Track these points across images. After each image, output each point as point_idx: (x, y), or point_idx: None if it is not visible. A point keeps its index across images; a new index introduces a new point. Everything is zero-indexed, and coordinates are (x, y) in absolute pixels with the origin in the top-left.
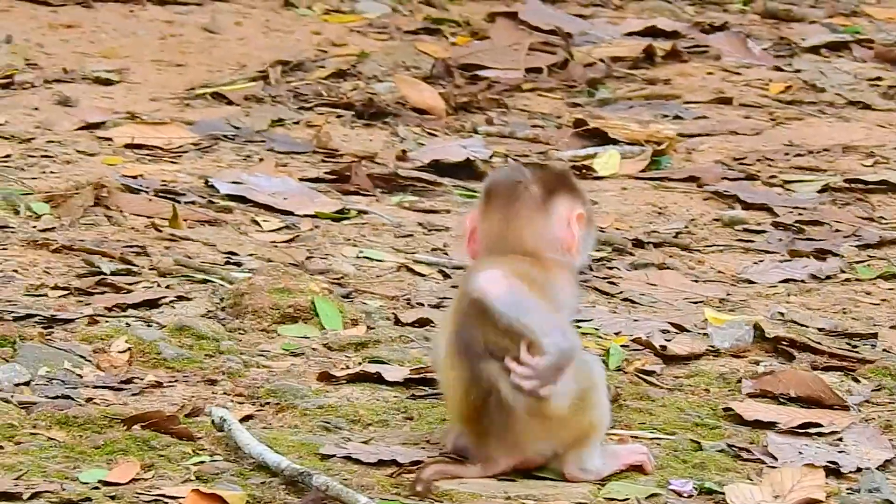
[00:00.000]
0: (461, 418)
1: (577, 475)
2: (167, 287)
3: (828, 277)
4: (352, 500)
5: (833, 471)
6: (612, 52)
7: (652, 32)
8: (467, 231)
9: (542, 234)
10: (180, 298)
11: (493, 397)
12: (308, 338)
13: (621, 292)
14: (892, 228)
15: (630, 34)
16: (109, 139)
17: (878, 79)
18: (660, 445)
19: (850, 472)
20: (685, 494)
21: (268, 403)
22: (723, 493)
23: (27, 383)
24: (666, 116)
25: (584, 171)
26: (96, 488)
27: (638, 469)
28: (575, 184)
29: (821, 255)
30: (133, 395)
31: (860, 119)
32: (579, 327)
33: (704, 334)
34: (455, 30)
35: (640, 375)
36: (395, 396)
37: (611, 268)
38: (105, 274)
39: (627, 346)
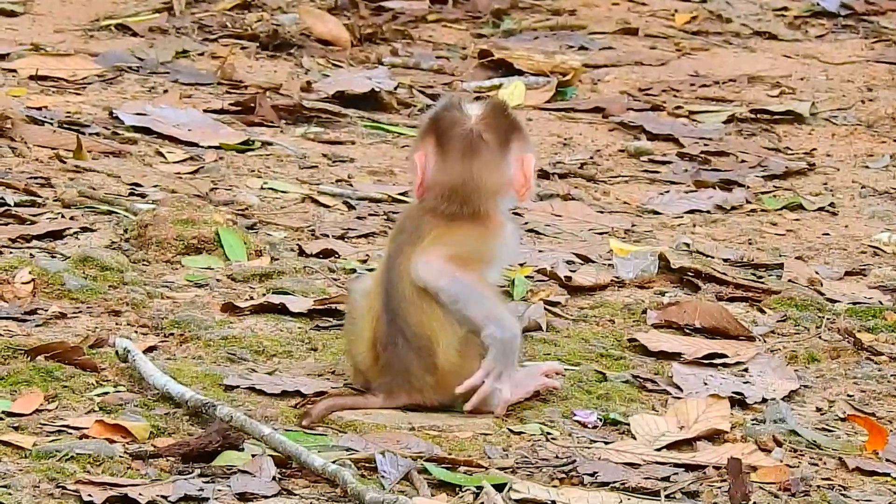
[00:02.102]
0: (368, 352)
1: (479, 407)
2: (71, 218)
3: (733, 208)
4: (255, 431)
5: (738, 402)
6: None
7: None
8: (418, 175)
9: (500, 182)
10: (84, 230)
11: (398, 347)
12: (212, 269)
13: (526, 223)
14: (797, 159)
15: None
16: (14, 71)
17: (785, 9)
18: (564, 376)
19: (756, 402)
20: (590, 425)
21: (171, 335)
22: (627, 424)
23: None
24: (571, 47)
25: None
26: (0, 419)
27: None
28: (521, 124)
29: (726, 185)
30: (37, 325)
31: (766, 49)
32: None
33: (609, 265)
34: None
35: (545, 306)
36: (299, 328)
37: None
38: (9, 205)
39: (532, 277)
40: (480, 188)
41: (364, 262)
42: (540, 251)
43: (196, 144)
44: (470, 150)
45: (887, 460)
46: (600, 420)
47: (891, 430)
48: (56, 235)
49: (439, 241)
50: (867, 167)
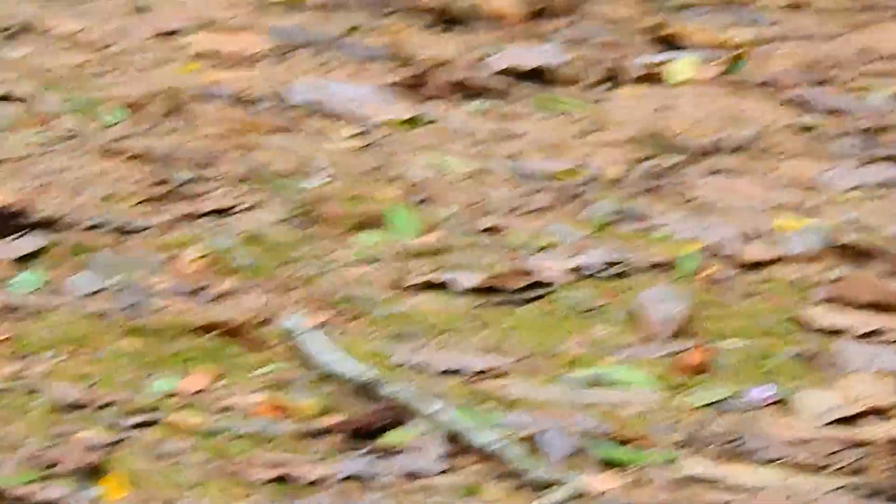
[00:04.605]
0: None
1: None
2: (240, 195)
3: None
4: (422, 408)
5: None
6: None
7: None
8: None
9: None
10: (253, 207)
11: None
12: (380, 245)
13: (694, 198)
14: None
15: None
16: (185, 46)
17: None
18: (730, 353)
19: None
20: (764, 401)
21: (340, 312)
22: (794, 401)
23: (98, 292)
24: (741, 22)
25: (657, 76)
26: (168, 397)
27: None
28: None
29: (893, 160)
30: (206, 302)
31: None
32: (650, 233)
33: (777, 241)
34: None
35: (712, 282)
36: (467, 304)
37: (684, 174)
38: (178, 182)
39: (700, 252)
40: None
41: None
42: (706, 227)
43: (366, 120)
44: None
45: None
46: (773, 395)
47: None
48: (224, 212)
49: None
50: None
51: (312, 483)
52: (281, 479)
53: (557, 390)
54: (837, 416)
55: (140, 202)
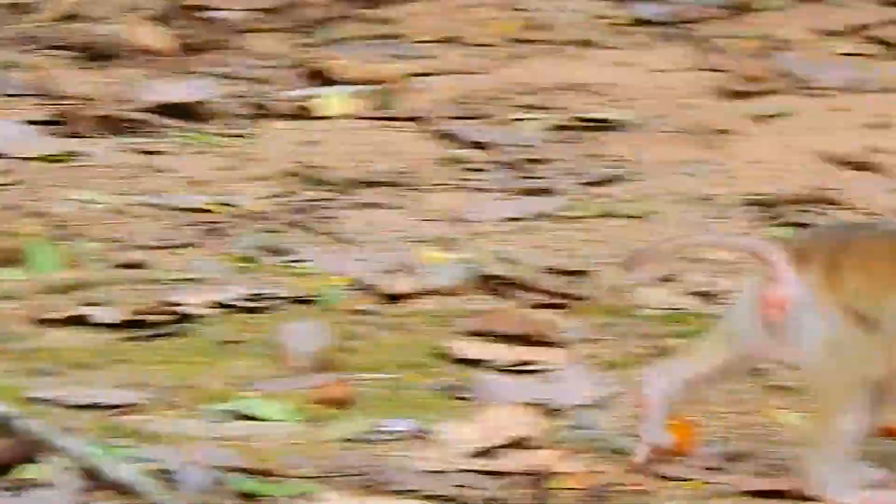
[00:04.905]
0: None
1: None
2: None
3: (549, 216)
4: (57, 443)
5: (547, 408)
6: None
7: None
8: None
9: None
10: None
11: None
12: (22, 281)
13: (341, 232)
14: (616, 166)
15: None
16: None
17: (606, 17)
18: (372, 385)
19: (564, 409)
20: (397, 434)
21: None
22: (434, 432)
23: None
24: (395, 56)
25: (307, 111)
26: None
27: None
28: None
29: (543, 193)
30: None
31: (589, 57)
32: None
33: (422, 274)
34: None
35: (356, 315)
36: (109, 338)
37: (330, 207)
38: None
39: (344, 286)
40: None
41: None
42: (351, 260)
43: (10, 156)
44: None
45: (694, 465)
46: (408, 428)
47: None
48: None
49: None
50: (681, 174)
51: None
52: None
53: (196, 424)
54: (477, 448)
55: None
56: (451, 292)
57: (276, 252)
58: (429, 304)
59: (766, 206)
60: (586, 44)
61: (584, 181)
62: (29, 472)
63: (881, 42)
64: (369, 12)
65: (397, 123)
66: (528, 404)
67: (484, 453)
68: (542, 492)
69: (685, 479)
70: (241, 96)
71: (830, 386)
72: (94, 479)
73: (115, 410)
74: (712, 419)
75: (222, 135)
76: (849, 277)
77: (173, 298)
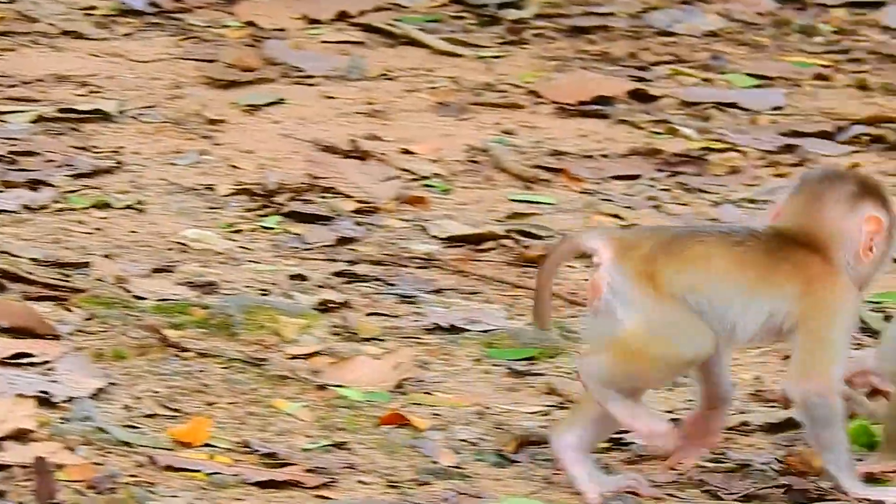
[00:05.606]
0: None
1: None
2: None
3: (41, 208)
4: None
5: (45, 400)
6: None
7: None
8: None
9: (838, 228)
10: None
11: None
12: None
13: None
14: (105, 157)
15: None
16: None
17: (92, 8)
18: None
19: (62, 401)
20: None
21: None
22: None
23: None
24: None
25: None
26: None
27: None
28: (887, 195)
29: (33, 185)
30: None
31: (74, 49)
32: None
33: None
34: None
35: None
36: None
37: None
38: None
39: None
40: (819, 225)
41: None
42: None
43: None
44: (823, 188)
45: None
46: None
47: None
48: None
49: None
50: (174, 164)
51: None
52: None
53: None
54: None
55: None
56: None
57: None
58: None
59: (261, 196)
60: (73, 35)
61: (76, 173)
62: None
63: (368, 29)
64: None
65: None
66: (26, 396)
67: None
68: (45, 485)
69: (191, 471)
70: None
71: (643, 364)
72: None
73: None
74: (218, 410)
75: None
76: (663, 266)
77: None
